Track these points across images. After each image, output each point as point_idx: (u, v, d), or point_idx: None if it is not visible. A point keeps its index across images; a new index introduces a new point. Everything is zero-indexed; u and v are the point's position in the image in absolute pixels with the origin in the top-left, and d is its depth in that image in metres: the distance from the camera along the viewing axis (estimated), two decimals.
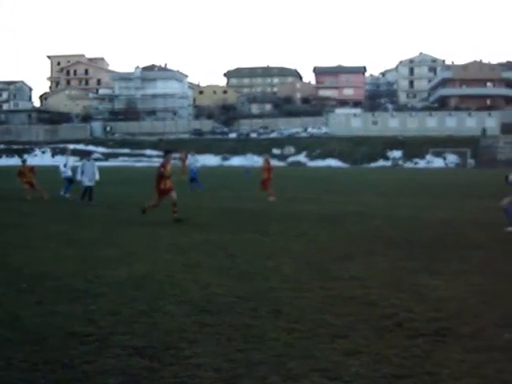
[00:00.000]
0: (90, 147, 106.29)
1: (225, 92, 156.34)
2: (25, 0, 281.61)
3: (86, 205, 23.38)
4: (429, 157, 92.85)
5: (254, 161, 59.51)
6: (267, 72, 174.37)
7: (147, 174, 49.08)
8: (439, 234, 15.98)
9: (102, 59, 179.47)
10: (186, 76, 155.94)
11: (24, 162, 29.19)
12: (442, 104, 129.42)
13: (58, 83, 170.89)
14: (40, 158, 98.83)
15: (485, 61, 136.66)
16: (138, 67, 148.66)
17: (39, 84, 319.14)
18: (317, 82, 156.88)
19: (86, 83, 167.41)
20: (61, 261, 11.91)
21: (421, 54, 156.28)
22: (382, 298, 8.85)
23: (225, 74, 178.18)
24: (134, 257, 12.13)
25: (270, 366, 6.09)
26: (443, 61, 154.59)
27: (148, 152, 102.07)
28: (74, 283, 9.88)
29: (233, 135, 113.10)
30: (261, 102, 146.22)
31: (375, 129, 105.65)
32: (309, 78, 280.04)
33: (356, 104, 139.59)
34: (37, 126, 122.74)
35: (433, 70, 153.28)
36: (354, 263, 11.64)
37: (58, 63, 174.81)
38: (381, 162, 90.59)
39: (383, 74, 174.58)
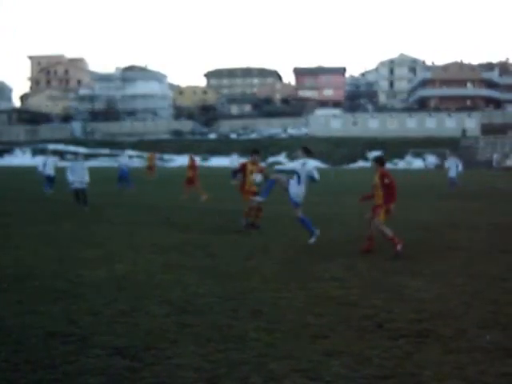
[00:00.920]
0: (71, 147, 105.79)
1: (205, 92, 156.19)
2: (5, 0, 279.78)
3: (80, 209, 21.76)
4: (408, 158, 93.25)
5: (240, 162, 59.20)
6: (247, 73, 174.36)
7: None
8: (418, 235, 16.08)
9: (82, 60, 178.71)
10: (166, 76, 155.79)
11: None
12: (422, 105, 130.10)
13: (38, 83, 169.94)
14: (20, 159, 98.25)
15: (465, 61, 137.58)
16: (118, 68, 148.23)
17: (19, 84, 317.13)
18: (297, 82, 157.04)
19: (67, 83, 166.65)
20: (41, 261, 11.88)
21: (401, 54, 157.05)
22: (362, 299, 8.90)
23: (205, 75, 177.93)
24: (114, 257, 12.10)
25: (251, 367, 6.13)
26: (423, 61, 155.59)
27: (128, 152, 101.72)
28: (54, 283, 9.86)
29: (213, 136, 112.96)
30: (241, 103, 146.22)
31: (355, 129, 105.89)
32: (289, 78, 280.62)
33: (336, 104, 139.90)
34: (17, 126, 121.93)
35: (413, 70, 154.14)
36: (334, 264, 11.67)
37: (39, 63, 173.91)
38: (360, 163, 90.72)
39: (363, 74, 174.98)
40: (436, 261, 12.12)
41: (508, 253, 13.17)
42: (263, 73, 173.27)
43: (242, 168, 17.47)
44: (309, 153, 14.70)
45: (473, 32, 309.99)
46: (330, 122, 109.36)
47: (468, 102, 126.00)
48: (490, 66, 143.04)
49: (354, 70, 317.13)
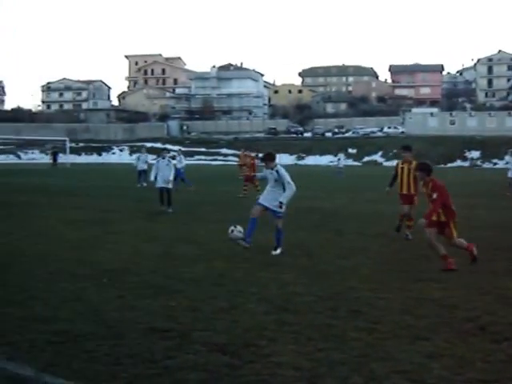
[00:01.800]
0: (167, 146, 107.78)
1: (300, 91, 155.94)
2: (103, 2, 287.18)
3: (165, 211, 20.81)
4: (508, 157, 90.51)
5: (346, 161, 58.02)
6: (342, 71, 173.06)
7: (223, 173, 49.61)
8: None
9: (179, 59, 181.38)
10: (262, 75, 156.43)
11: None
12: None
13: (135, 83, 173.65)
14: (118, 156, 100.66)
15: None
16: (214, 66, 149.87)
17: (117, 83, 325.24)
18: (393, 80, 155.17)
19: (163, 83, 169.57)
20: (140, 257, 12.09)
21: (500, 51, 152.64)
22: (463, 301, 8.65)
23: (300, 74, 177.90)
24: (211, 254, 12.18)
25: (351, 367, 6.03)
26: None
27: (223, 151, 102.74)
28: (153, 279, 10.02)
29: (307, 134, 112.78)
30: (336, 102, 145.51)
31: (453, 128, 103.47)
32: (385, 76, 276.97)
33: (433, 103, 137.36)
34: (115, 124, 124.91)
35: None
36: (433, 264, 11.40)
37: (136, 63, 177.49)
38: (458, 163, 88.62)
39: (461, 72, 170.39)
40: None
41: None
42: (359, 71, 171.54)
43: (396, 170, 15.91)
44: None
45: None
46: (426, 121, 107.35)
47: None
48: None
49: (451, 68, 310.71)
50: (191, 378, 5.74)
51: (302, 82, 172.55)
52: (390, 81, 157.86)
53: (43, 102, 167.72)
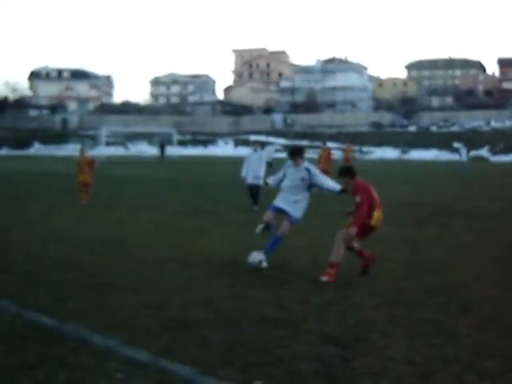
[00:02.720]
0: (271, 138, 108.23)
1: (405, 84, 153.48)
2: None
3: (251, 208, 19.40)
4: None
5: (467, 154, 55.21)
6: (449, 64, 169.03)
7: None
8: None
9: (284, 52, 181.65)
10: (366, 68, 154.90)
11: (82, 150, 21.98)
12: None
13: (241, 76, 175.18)
14: (223, 149, 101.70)
15: None
16: (318, 60, 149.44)
17: (223, 77, 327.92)
18: (501, 73, 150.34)
19: (268, 76, 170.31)
20: (249, 247, 12.22)
21: None
22: None
23: (405, 67, 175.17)
24: (320, 246, 12.18)
25: (464, 364, 5.95)
26: None
27: (327, 144, 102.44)
28: (262, 269, 10.12)
29: (412, 128, 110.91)
30: (442, 95, 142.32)
31: None
32: (492, 69, 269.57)
33: None
34: (220, 117, 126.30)
35: None
36: None
37: (242, 56, 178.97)
38: None
39: None
40: None
41: None
42: (466, 64, 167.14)
43: None
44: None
45: None
46: None
47: None
48: None
49: None
50: (304, 368, 5.79)
51: (408, 75, 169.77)
52: (497, 74, 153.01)
53: (151, 95, 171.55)
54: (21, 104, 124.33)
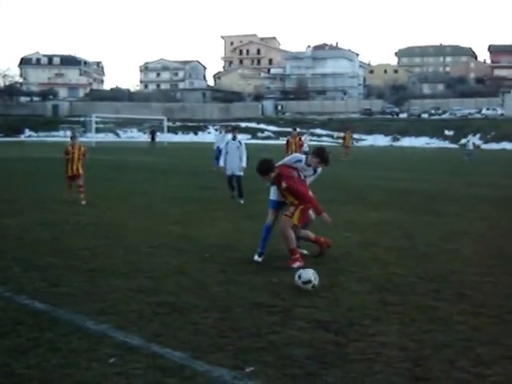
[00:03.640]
0: (262, 125, 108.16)
1: (395, 71, 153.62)
2: None
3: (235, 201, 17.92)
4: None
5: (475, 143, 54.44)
6: (440, 51, 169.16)
7: None
8: None
9: (274, 39, 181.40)
10: (357, 55, 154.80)
11: (73, 137, 19.18)
12: None
13: (231, 63, 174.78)
14: (213, 136, 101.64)
15: None
16: (309, 46, 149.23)
17: (213, 63, 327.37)
18: (492, 61, 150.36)
19: (258, 63, 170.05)
20: (240, 234, 12.23)
21: None
22: None
23: (396, 53, 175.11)
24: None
25: (457, 350, 5.94)
26: None
27: (317, 131, 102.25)
28: (253, 256, 10.08)
29: (403, 115, 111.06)
30: (433, 82, 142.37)
31: None
32: (484, 56, 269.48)
33: None
34: (210, 104, 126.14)
35: None
36: None
37: (232, 43, 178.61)
38: None
39: None
40: None
41: None
42: (457, 51, 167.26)
43: None
44: None
45: None
46: None
47: None
48: None
49: None
50: (297, 354, 5.78)
51: (398, 62, 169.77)
52: (489, 61, 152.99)
53: (141, 81, 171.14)
54: (11, 91, 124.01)
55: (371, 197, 19.28)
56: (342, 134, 42.97)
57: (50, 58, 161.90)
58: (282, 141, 36.04)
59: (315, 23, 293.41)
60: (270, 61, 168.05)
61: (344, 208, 16.36)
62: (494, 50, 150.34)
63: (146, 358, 5.59)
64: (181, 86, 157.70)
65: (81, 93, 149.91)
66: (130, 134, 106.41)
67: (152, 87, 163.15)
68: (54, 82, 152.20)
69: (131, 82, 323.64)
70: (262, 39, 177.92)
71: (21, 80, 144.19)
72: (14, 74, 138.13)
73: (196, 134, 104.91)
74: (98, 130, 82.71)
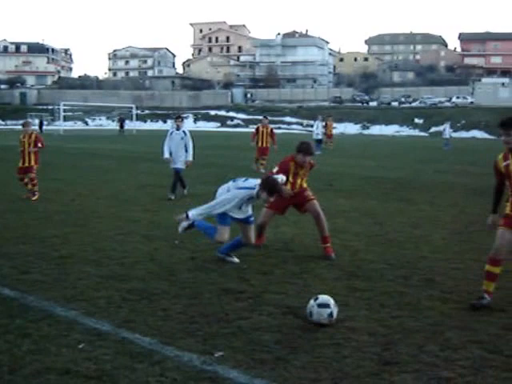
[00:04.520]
0: (231, 113, 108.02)
1: (366, 59, 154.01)
2: None
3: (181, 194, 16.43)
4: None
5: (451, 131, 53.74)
6: (410, 39, 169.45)
7: (286, 142, 49.36)
8: None
9: (244, 26, 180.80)
10: (327, 43, 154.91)
11: (25, 124, 16.67)
12: None
13: (200, 50, 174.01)
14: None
15: None
16: (279, 34, 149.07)
17: (182, 51, 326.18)
18: (462, 49, 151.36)
19: (228, 50, 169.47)
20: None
21: None
22: None
23: (366, 41, 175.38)
24: (281, 220, 12.18)
25: (426, 334, 5.99)
26: None
27: (287, 119, 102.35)
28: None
29: (373, 104, 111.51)
30: (403, 70, 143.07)
31: None
32: (454, 44, 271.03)
33: (504, 73, 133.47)
34: (180, 92, 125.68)
35: None
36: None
37: (201, 30, 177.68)
38: None
39: None
40: None
41: None
42: (427, 39, 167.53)
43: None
44: None
45: None
46: (497, 92, 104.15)
47: None
48: None
49: None
50: (265, 339, 5.80)
51: (368, 50, 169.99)
52: (459, 49, 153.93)
53: (109, 69, 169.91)
54: None
55: (341, 184, 19.34)
56: (323, 123, 41.94)
57: (18, 46, 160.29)
58: (252, 129, 35.84)
59: (285, 11, 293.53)
60: (240, 48, 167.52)
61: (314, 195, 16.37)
62: (464, 38, 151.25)
63: (116, 344, 5.59)
64: (150, 73, 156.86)
65: (49, 81, 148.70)
66: (98, 122, 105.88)
67: (121, 75, 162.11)
68: (21, 70, 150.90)
69: (100, 69, 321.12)
70: (231, 26, 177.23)
71: None
72: None
73: (165, 122, 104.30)
74: (66, 118, 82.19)
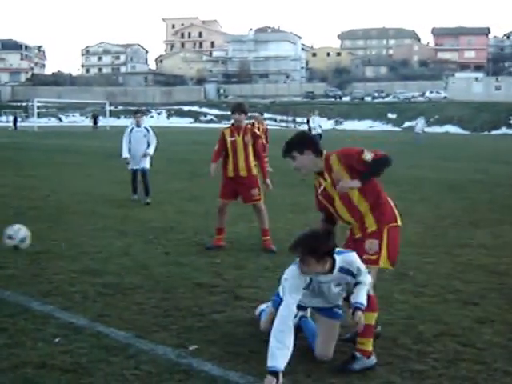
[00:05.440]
0: (204, 109, 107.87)
1: (338, 54, 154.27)
2: None
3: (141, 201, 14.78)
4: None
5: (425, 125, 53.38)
6: (383, 34, 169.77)
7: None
8: None
9: (216, 21, 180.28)
10: (300, 38, 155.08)
11: None
12: None
13: (172, 46, 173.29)
14: (156, 120, 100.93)
15: None
16: (251, 29, 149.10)
17: (155, 47, 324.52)
18: (435, 43, 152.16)
19: (200, 46, 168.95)
20: (184, 216, 12.28)
21: None
22: None
23: (338, 36, 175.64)
24: (252, 214, 12.25)
25: (399, 328, 6.07)
26: None
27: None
28: (196, 237, 10.24)
29: (346, 99, 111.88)
30: (376, 65, 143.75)
31: (498, 94, 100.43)
32: (427, 39, 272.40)
33: (478, 68, 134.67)
34: (153, 88, 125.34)
35: None
36: (480, 231, 11.30)
37: (173, 26, 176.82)
38: (504, 130, 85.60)
39: (508, 35, 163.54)
40: None
41: None
42: (400, 33, 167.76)
43: None
44: None
45: None
46: (470, 86, 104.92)
47: None
48: None
49: (497, 31, 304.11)
50: (239, 332, 5.87)
51: (341, 45, 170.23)
52: (432, 44, 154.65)
53: (83, 65, 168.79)
54: None
55: (310, 180, 19.34)
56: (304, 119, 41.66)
57: None
58: (225, 124, 35.75)
59: (257, 6, 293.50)
60: (212, 44, 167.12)
61: (289, 191, 16.47)
62: (437, 32, 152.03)
63: (91, 338, 5.62)
64: (122, 69, 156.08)
65: (22, 77, 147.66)
66: (72, 118, 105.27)
67: (94, 71, 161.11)
68: None
69: (73, 66, 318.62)
70: (203, 22, 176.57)
71: None
72: None
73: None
74: (40, 115, 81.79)
